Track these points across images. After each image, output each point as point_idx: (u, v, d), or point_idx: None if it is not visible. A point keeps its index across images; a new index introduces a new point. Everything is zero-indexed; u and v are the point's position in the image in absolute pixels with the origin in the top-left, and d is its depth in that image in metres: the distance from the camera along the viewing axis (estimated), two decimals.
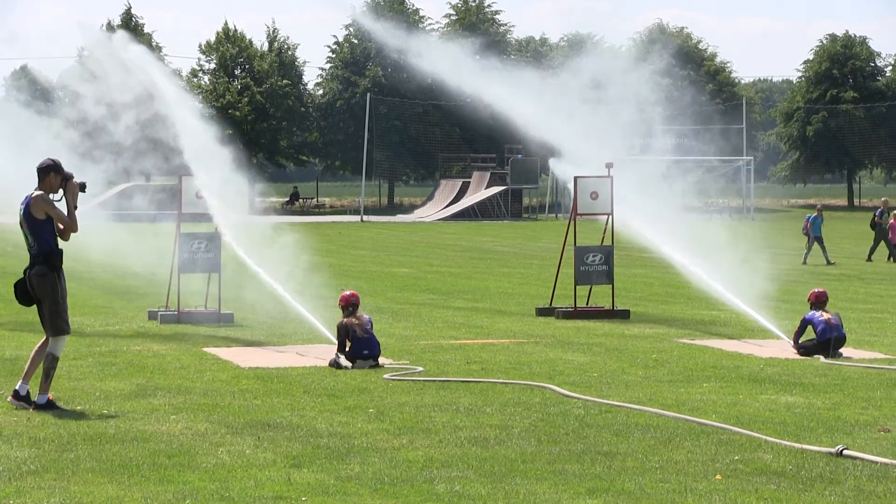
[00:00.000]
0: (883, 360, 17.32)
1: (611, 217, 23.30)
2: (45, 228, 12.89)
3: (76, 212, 13.02)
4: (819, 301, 17.91)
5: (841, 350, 17.50)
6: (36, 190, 12.96)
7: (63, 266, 12.97)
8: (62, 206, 12.97)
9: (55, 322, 12.94)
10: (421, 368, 15.80)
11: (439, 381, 14.90)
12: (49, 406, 12.77)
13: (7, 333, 19.32)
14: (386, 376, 15.11)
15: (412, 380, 14.96)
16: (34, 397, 12.89)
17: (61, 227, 12.99)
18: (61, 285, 12.94)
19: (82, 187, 13.12)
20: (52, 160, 13.09)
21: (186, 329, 20.28)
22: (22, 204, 12.98)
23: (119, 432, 11.68)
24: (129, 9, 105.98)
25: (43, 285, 12.89)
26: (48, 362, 12.90)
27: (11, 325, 20.30)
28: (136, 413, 12.69)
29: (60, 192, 12.97)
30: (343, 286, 22.30)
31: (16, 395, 12.99)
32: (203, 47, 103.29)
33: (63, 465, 10.37)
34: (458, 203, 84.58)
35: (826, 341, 17.38)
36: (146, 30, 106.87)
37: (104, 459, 10.56)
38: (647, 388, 14.65)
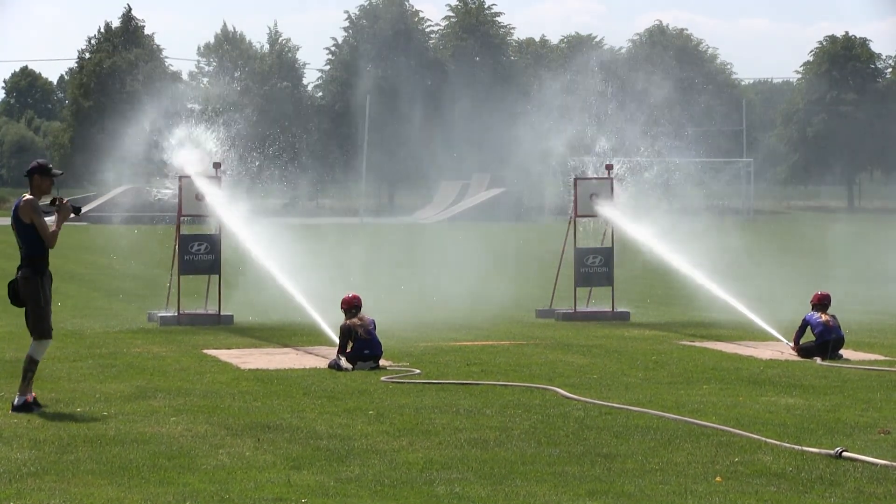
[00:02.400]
0: (883, 361, 17.32)
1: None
2: (31, 232, 12.85)
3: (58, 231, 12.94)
4: (821, 303, 17.90)
5: (840, 352, 17.51)
6: (27, 194, 12.96)
7: (48, 270, 12.94)
8: (49, 219, 12.90)
9: (37, 325, 12.86)
10: (418, 371, 15.79)
11: (438, 383, 14.90)
12: (25, 408, 12.67)
13: (7, 335, 19.32)
14: (383, 378, 15.11)
15: (410, 382, 14.95)
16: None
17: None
18: (44, 289, 12.85)
19: (76, 211, 13.08)
20: (38, 162, 13.15)
21: (186, 331, 20.28)
22: (14, 206, 13.00)
23: (119, 434, 11.68)
24: (130, 10, 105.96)
25: (26, 288, 12.83)
26: (26, 364, 12.81)
27: (12, 327, 20.30)
28: (136, 415, 12.70)
29: (49, 198, 12.92)
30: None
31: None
32: (202, 49, 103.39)
33: (63, 466, 10.37)
34: (458, 205, 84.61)
35: (824, 343, 17.39)
36: (146, 31, 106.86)
37: (104, 461, 10.56)
38: (647, 389, 14.65)
